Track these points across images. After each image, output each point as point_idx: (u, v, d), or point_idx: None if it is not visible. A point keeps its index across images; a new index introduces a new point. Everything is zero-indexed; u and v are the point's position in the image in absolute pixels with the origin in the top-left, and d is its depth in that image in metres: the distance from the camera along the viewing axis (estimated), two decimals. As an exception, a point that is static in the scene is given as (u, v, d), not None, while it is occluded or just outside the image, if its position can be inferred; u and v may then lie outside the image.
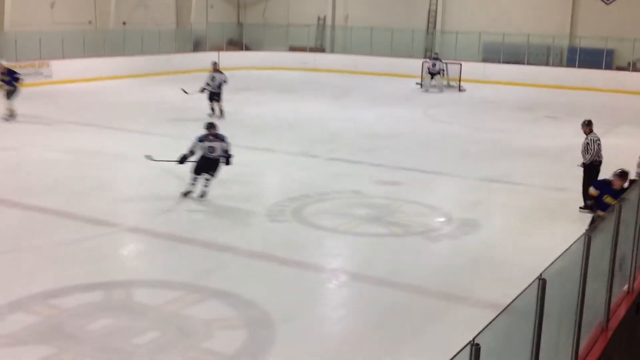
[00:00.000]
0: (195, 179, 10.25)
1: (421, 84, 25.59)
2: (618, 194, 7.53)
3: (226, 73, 18.10)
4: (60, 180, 11.49)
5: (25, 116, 16.72)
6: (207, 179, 10.26)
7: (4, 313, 6.45)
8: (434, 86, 25.23)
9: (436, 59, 25.48)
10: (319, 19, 33.23)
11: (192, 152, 10.16)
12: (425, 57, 28.89)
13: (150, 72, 26.52)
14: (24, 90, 21.21)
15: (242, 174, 12.14)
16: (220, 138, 10.23)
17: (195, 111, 19.05)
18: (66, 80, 23.16)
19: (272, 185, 12.12)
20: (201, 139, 10.13)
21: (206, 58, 29.65)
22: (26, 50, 23.26)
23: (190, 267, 7.84)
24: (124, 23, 28.52)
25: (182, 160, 10.42)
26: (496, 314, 3.69)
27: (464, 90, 25.33)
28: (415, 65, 26.85)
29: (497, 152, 14.78)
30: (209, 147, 10.12)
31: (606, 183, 8.11)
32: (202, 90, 17.49)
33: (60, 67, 23.40)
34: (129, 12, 28.72)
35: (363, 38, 31.33)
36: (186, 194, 10.27)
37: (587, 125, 10.61)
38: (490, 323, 3.60)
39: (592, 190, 8.18)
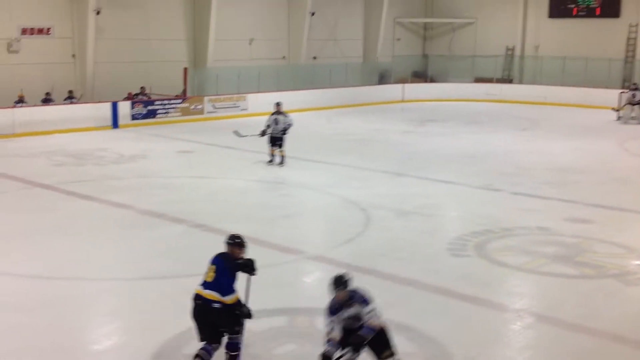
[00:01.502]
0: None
1: (619, 116, 24.06)
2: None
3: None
4: (252, 208, 12.16)
5: (222, 147, 17.96)
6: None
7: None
8: (634, 118, 23.60)
9: (636, 89, 23.88)
10: (507, 49, 32.48)
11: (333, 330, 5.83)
12: (623, 87, 27.12)
13: (338, 104, 27.38)
14: (222, 122, 22.86)
15: (424, 206, 12.10)
16: (359, 300, 5.88)
17: (379, 143, 19.36)
18: (260, 113, 24.49)
19: (454, 219, 11.94)
20: (334, 310, 5.86)
21: (391, 90, 30.25)
22: (226, 85, 25.09)
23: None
24: (315, 58, 29.77)
25: None
26: None
27: (666, 122, 23.42)
28: (612, 95, 25.26)
29: None
30: (349, 317, 5.85)
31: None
32: (262, 133, 15.54)
33: (256, 100, 24.86)
34: (320, 47, 29.96)
35: (554, 68, 30.09)
36: None
37: None
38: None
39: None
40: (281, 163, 15.43)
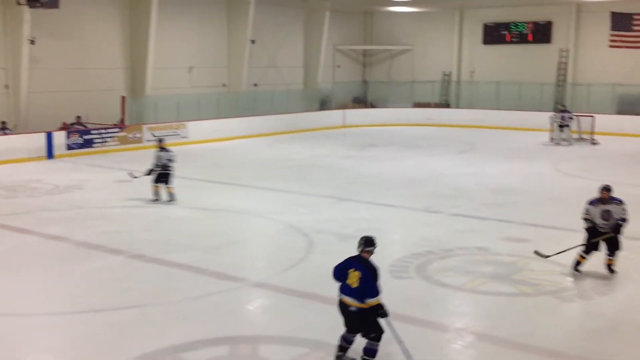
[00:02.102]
0: None
1: (551, 137, 24.81)
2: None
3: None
4: (194, 236, 12.00)
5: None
6: None
7: (137, 364, 6.74)
8: (564, 139, 24.40)
9: (564, 111, 24.73)
10: (444, 74, 33.25)
11: None
12: (555, 110, 28.07)
13: (279, 130, 27.47)
14: (162, 151, 22.61)
15: (366, 230, 12.05)
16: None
17: (321, 169, 19.46)
18: (201, 140, 24.40)
19: (395, 241, 12.03)
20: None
21: (332, 116, 30.51)
22: (165, 113, 24.90)
23: (315, 324, 7.88)
24: (256, 85, 29.83)
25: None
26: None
27: (597, 144, 24.28)
28: (545, 118, 26.09)
29: (636, 209, 13.91)
30: None
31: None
32: (150, 172, 14.69)
33: (196, 128, 24.70)
34: (260, 75, 30.03)
35: (489, 92, 30.98)
36: None
37: None
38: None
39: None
40: (170, 200, 14.44)
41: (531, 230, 12.11)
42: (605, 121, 25.82)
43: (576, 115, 25.21)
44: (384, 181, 17.33)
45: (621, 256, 10.30)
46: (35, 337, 7.63)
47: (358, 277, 6.30)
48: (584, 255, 9.48)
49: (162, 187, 14.62)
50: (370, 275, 6.32)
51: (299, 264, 10.17)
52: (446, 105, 32.86)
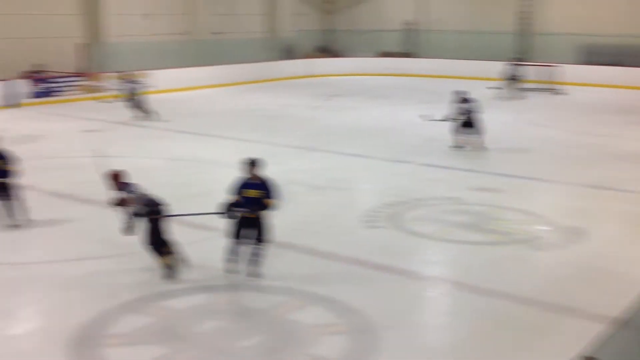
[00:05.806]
0: None
1: (498, 88, 23.79)
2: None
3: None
4: (163, 187, 11.83)
5: (127, 125, 17.42)
6: None
7: (118, 314, 6.74)
8: (515, 91, 23.64)
9: (515, 63, 23.94)
10: (406, 23, 33.03)
11: None
12: (518, 60, 28.10)
13: (244, 80, 27.13)
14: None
15: (337, 180, 12.21)
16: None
17: (288, 118, 19.33)
18: (165, 90, 23.95)
19: (366, 191, 12.11)
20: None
21: (297, 65, 30.18)
22: (126, 61, 24.24)
23: (292, 273, 7.94)
24: (216, 33, 29.25)
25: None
26: (605, 327, 3.56)
27: (563, 94, 24.53)
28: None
29: (600, 157, 14.23)
30: None
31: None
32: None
33: (159, 77, 24.20)
34: (219, 22, 29.39)
35: (453, 42, 30.91)
36: None
37: None
38: (605, 336, 3.47)
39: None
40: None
41: (501, 179, 12.28)
42: (569, 71, 26.00)
43: (542, 66, 25.28)
44: (352, 131, 17.32)
45: (589, 204, 10.56)
46: (14, 286, 7.55)
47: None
48: None
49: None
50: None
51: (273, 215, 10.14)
52: (410, 54, 32.73)
